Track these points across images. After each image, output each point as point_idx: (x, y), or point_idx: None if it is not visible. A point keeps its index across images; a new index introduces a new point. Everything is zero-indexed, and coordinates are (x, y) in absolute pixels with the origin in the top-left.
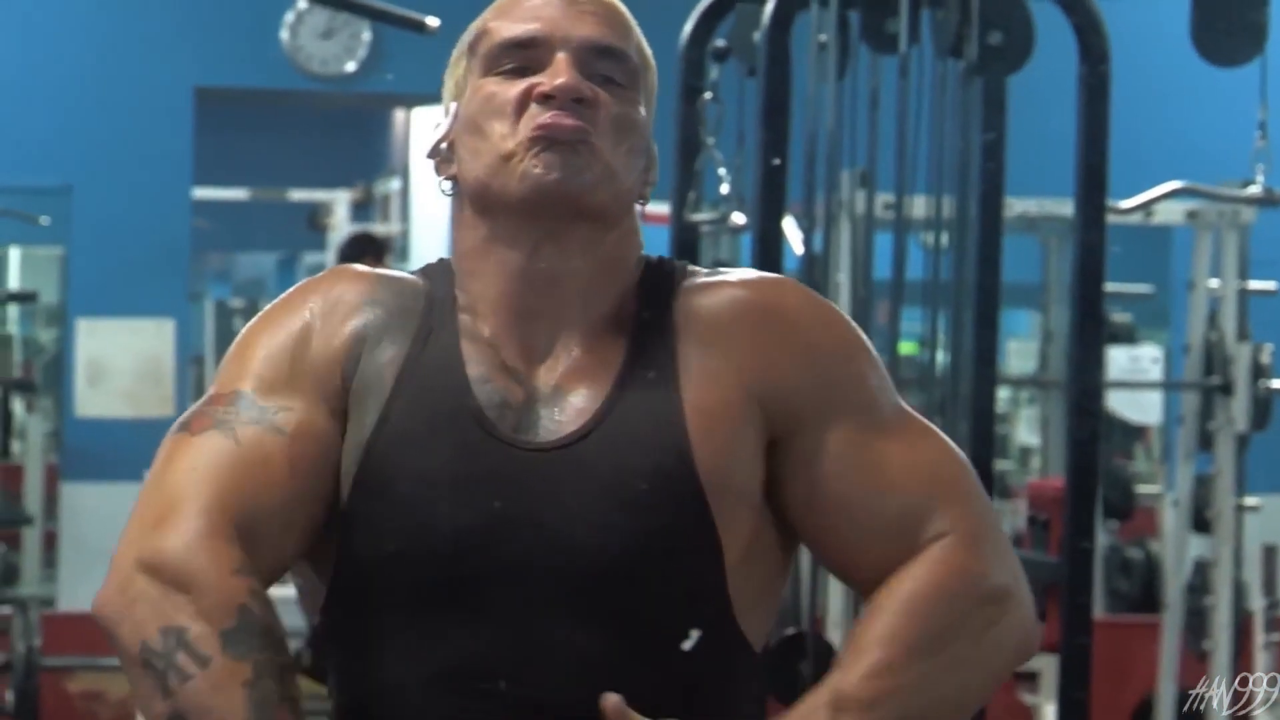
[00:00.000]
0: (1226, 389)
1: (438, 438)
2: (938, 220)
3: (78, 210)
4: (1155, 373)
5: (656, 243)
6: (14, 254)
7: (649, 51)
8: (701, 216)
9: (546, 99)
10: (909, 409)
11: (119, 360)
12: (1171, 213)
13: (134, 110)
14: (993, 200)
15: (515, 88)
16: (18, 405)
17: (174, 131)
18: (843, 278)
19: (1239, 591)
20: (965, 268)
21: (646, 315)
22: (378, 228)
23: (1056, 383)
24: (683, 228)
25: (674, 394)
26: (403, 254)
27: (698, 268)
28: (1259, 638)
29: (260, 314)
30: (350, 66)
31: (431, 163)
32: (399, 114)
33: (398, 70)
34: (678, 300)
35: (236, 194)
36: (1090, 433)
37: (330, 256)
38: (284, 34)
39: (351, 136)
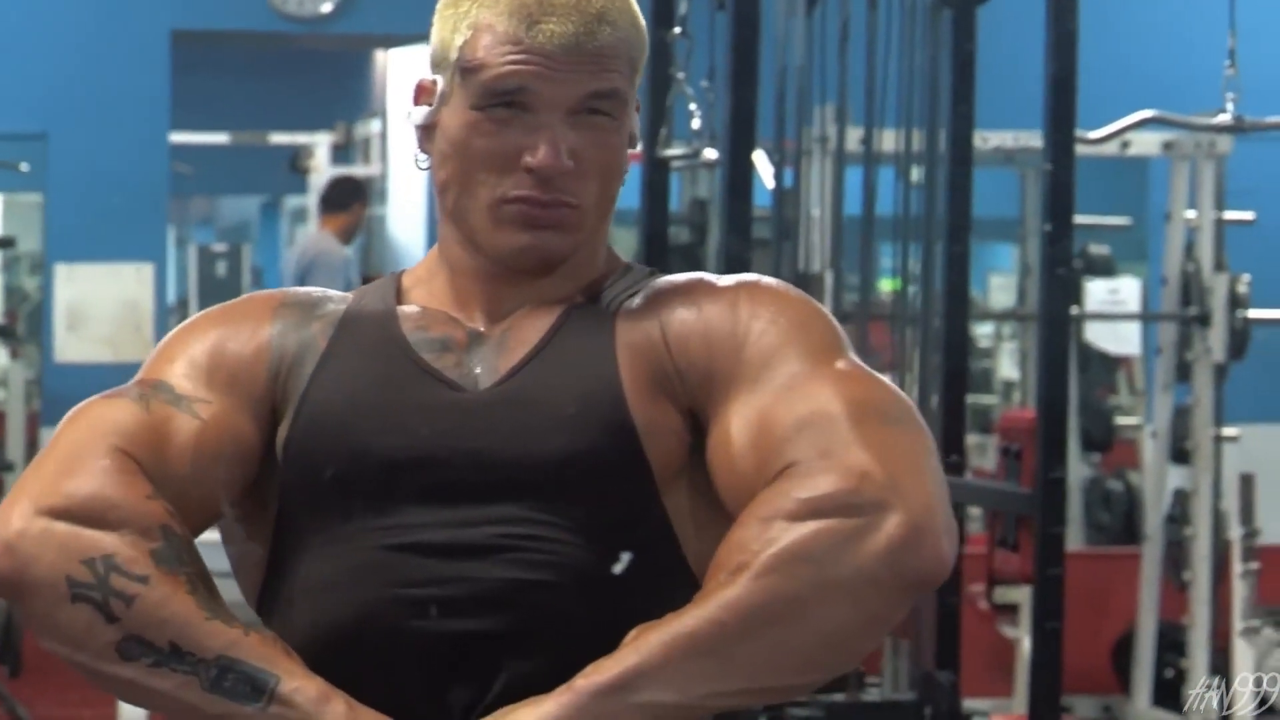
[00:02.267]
0: (1204, 320)
1: (371, 372)
2: (907, 154)
3: (55, 156)
4: (1133, 304)
5: (628, 180)
6: None
7: (641, 21)
8: (673, 152)
9: (529, 171)
10: (844, 357)
11: (98, 305)
12: (1147, 144)
13: (110, 55)
14: (962, 132)
15: (500, 141)
16: (1, 353)
17: (151, 75)
18: (817, 212)
19: (1218, 521)
20: (937, 201)
21: (602, 300)
22: (358, 170)
23: (1034, 317)
24: (654, 164)
25: (609, 339)
26: (382, 196)
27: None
28: (1237, 567)
29: (182, 324)
30: (326, 8)
31: (413, 126)
32: (378, 55)
33: (375, 11)
34: (636, 290)
35: (216, 138)
36: (1058, 362)
37: (312, 199)
38: None
39: (330, 78)
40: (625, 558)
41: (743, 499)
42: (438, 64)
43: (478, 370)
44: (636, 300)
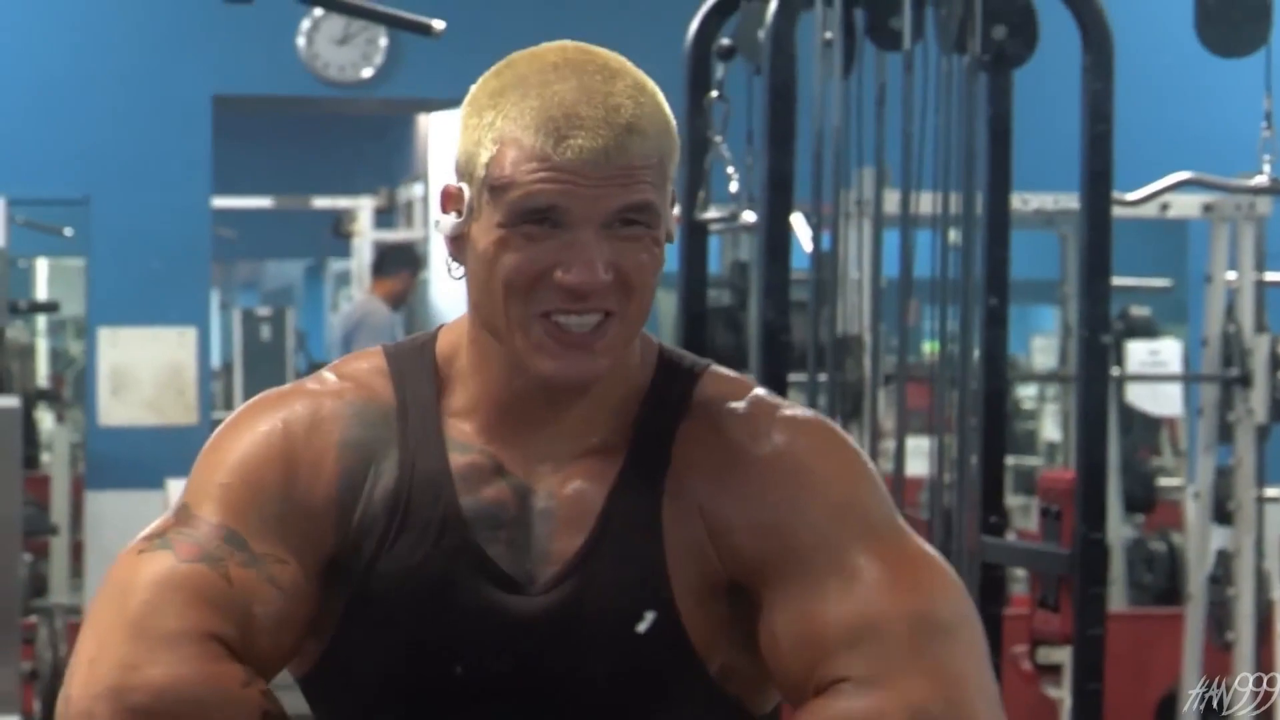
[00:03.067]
0: (1245, 380)
1: (430, 572)
2: (945, 216)
3: (98, 221)
4: (1174, 365)
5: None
6: (41, 265)
7: (671, 122)
8: (710, 215)
9: (563, 287)
10: (890, 533)
11: (141, 369)
12: (1187, 206)
13: (152, 119)
14: (999, 194)
15: (532, 257)
16: (46, 416)
17: (193, 140)
18: (855, 274)
19: (1261, 582)
20: (975, 262)
21: (649, 429)
22: (401, 234)
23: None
24: (692, 227)
25: (657, 536)
26: (424, 260)
27: (718, 371)
28: None
29: (228, 426)
30: (367, 72)
31: (442, 236)
32: (419, 119)
33: (416, 75)
34: (685, 417)
35: (259, 202)
36: (1097, 424)
37: (355, 263)
38: (300, 40)
39: (373, 143)
40: (650, 616)
41: (791, 696)
42: (463, 174)
43: (530, 560)
44: (689, 461)
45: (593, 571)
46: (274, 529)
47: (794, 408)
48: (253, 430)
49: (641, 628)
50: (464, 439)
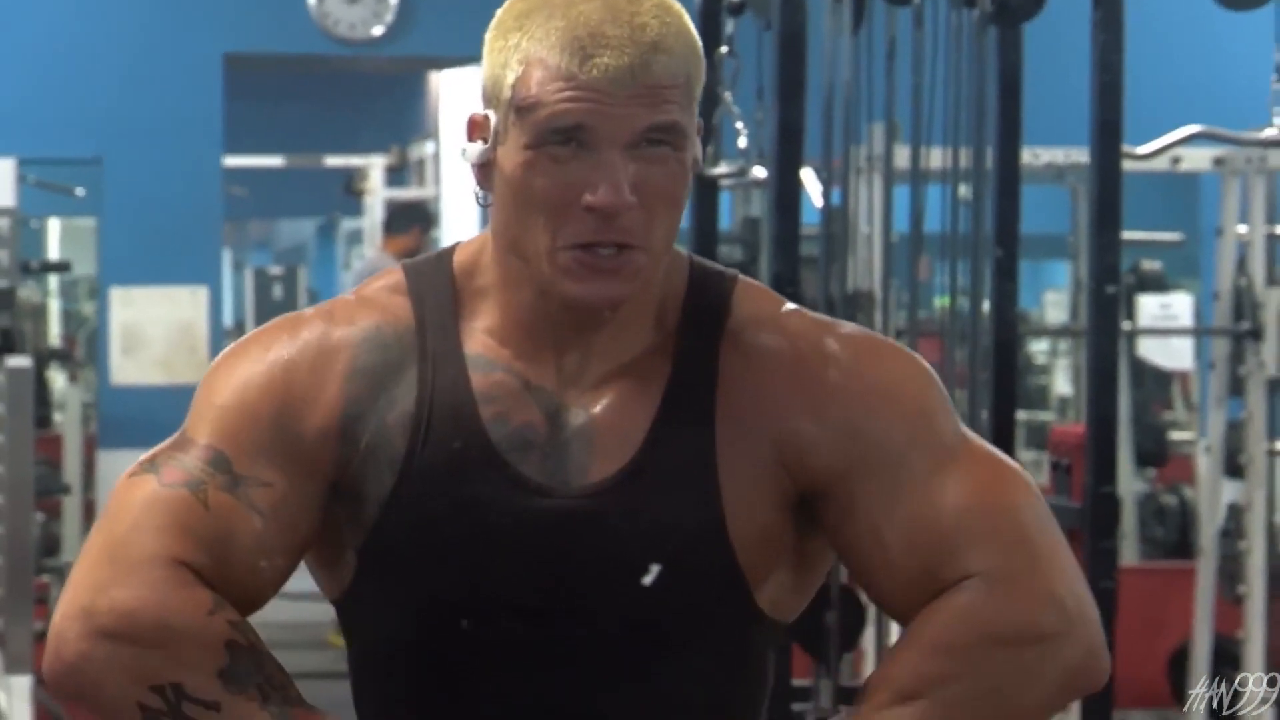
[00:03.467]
0: (1256, 334)
1: (456, 495)
2: (955, 171)
3: (110, 181)
4: (1186, 319)
5: None
6: (53, 225)
7: (697, 43)
8: (720, 171)
9: (591, 210)
10: (959, 438)
11: (154, 329)
12: (1198, 160)
13: (164, 79)
14: (1009, 149)
15: (559, 179)
16: (58, 376)
17: (204, 99)
18: (866, 230)
19: (1272, 536)
20: (985, 217)
21: (689, 345)
22: (413, 192)
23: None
24: (702, 183)
25: (709, 451)
26: (436, 219)
27: (749, 282)
28: None
29: (234, 350)
30: (378, 30)
31: (469, 164)
32: (431, 77)
33: (427, 33)
34: (725, 332)
35: (271, 161)
36: (1108, 377)
37: (367, 221)
38: None
39: (384, 101)
40: (655, 569)
41: (908, 601)
42: (489, 99)
43: (567, 471)
44: (738, 370)
45: (637, 493)
46: (263, 453)
47: (834, 320)
48: (257, 358)
49: (674, 545)
50: (488, 357)
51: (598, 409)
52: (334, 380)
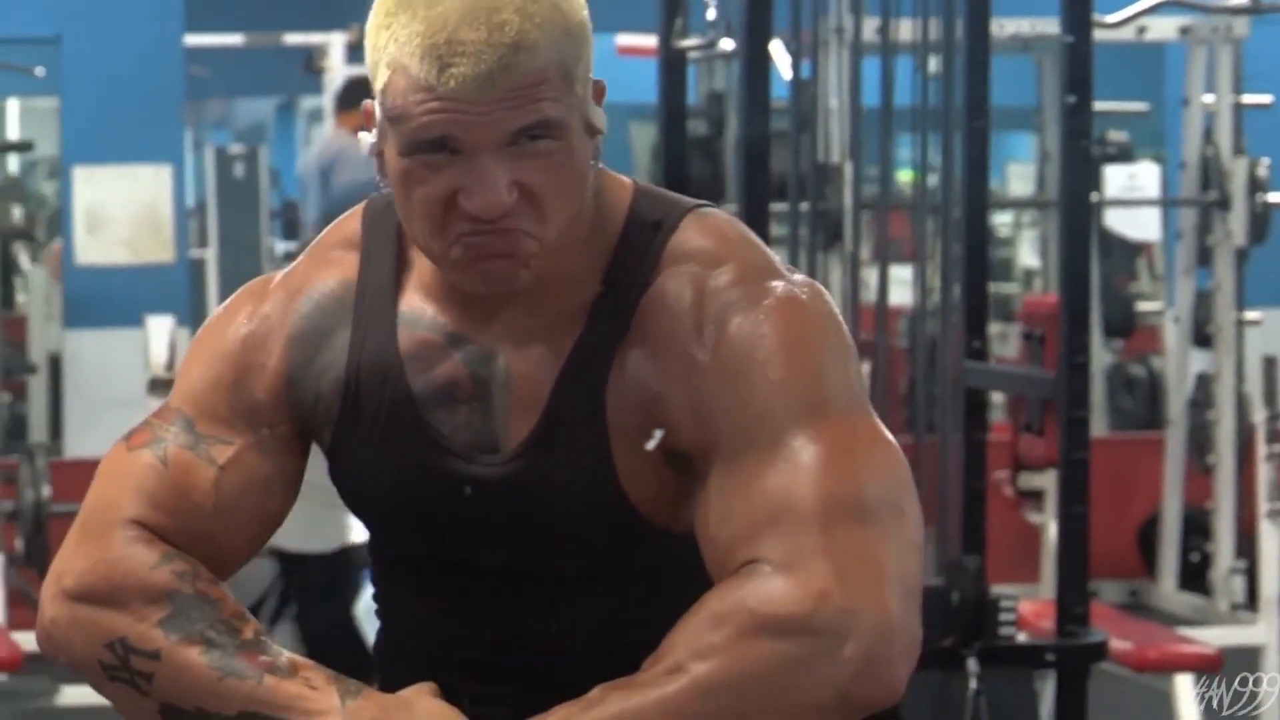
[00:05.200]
0: (1224, 204)
1: (388, 462)
2: (925, 43)
3: (69, 60)
4: (1152, 190)
5: (643, 75)
6: (12, 105)
7: (571, 19)
8: (689, 43)
9: (470, 216)
10: (836, 408)
11: (117, 208)
12: (1164, 29)
13: None
14: (979, 19)
15: (436, 188)
16: (23, 257)
17: None
18: (835, 103)
19: (1241, 405)
20: (956, 90)
21: (604, 302)
22: None
23: (1054, 203)
24: (670, 55)
25: (600, 413)
26: None
27: (699, 220)
28: (1261, 450)
29: (209, 325)
30: None
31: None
32: None
33: None
34: (646, 286)
35: (231, 39)
36: (1080, 241)
37: (328, 99)
38: None
39: None
40: (658, 435)
41: (714, 567)
42: (373, 93)
43: (492, 432)
44: (644, 327)
45: (541, 457)
46: (224, 416)
47: (771, 274)
48: (223, 328)
49: (577, 506)
50: (416, 313)
51: (518, 365)
52: (278, 349)
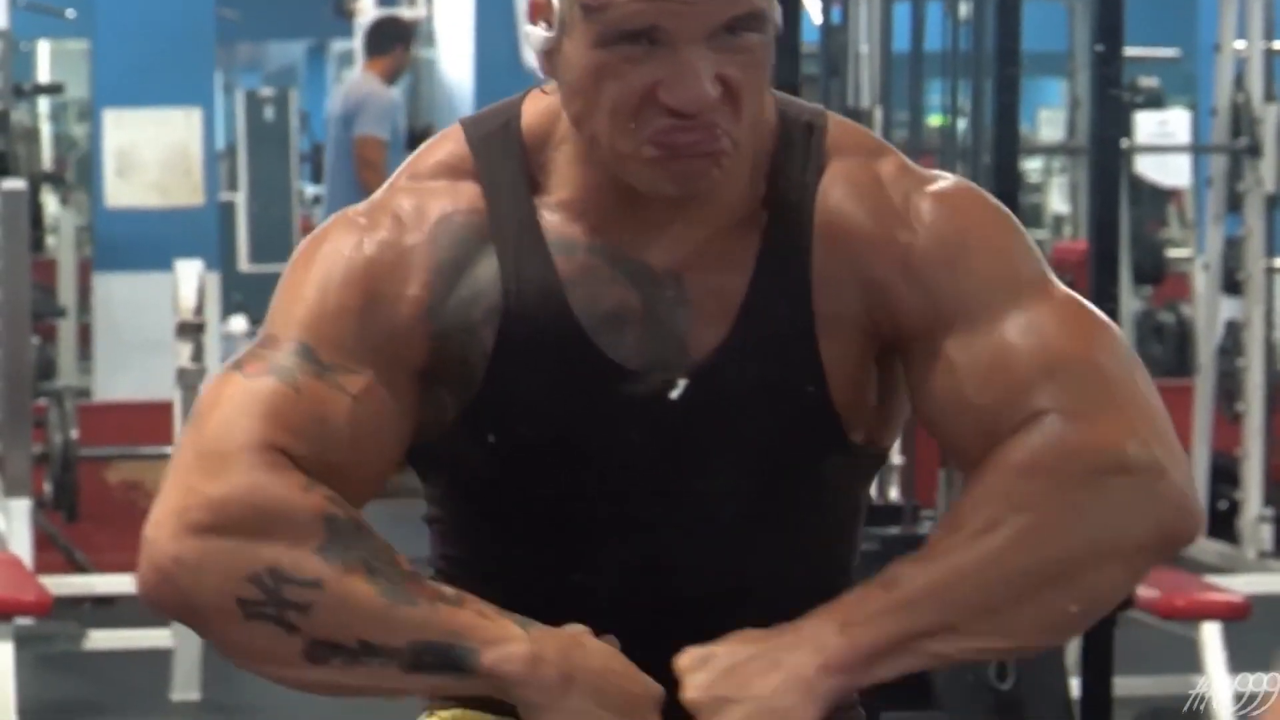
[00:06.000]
0: (1254, 150)
1: (551, 391)
2: None
3: (100, 2)
4: (1183, 136)
5: None
6: (43, 48)
7: None
8: None
9: (672, 110)
10: (1043, 281)
11: (147, 150)
12: None
13: None
14: None
15: (634, 82)
16: (50, 200)
17: None
18: (865, 48)
19: (1271, 352)
20: (986, 35)
21: (781, 205)
22: (404, 12)
23: (1084, 149)
24: None
25: (807, 316)
26: (429, 39)
27: (839, 124)
28: None
29: (306, 249)
30: None
31: (530, 45)
32: None
33: None
34: (816, 188)
35: None
36: (1110, 186)
37: (358, 42)
38: None
39: None
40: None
41: (980, 446)
42: None
43: (668, 352)
44: (829, 230)
45: (738, 365)
46: (348, 342)
47: (924, 171)
48: (335, 255)
49: (791, 415)
50: (571, 237)
51: (693, 278)
52: (417, 279)
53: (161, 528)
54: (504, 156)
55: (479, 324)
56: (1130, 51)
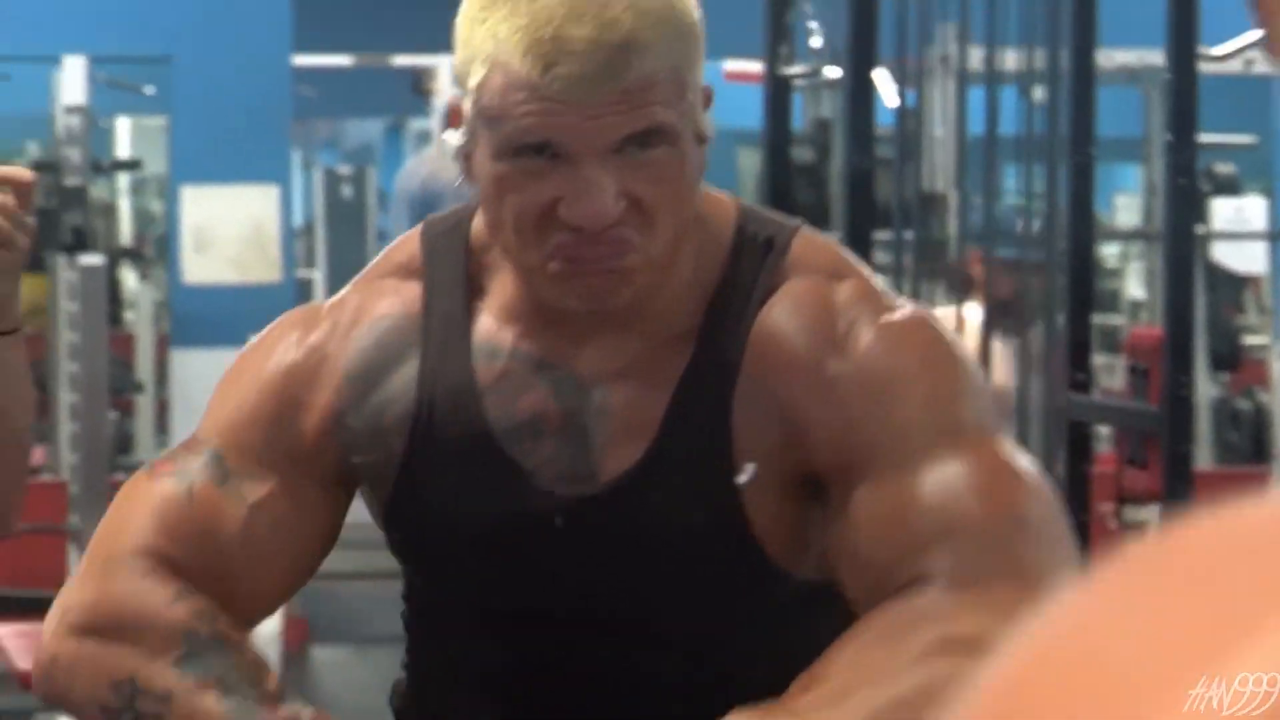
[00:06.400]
0: None
1: (455, 507)
2: (1030, 72)
3: (179, 79)
4: (1259, 223)
5: (749, 100)
6: (122, 124)
7: (682, 20)
8: (794, 70)
9: (573, 228)
10: (976, 430)
11: (224, 227)
12: (1271, 62)
13: None
14: (1084, 50)
15: (534, 196)
16: (129, 275)
17: None
18: (939, 131)
19: None
20: (1061, 120)
21: (716, 324)
22: None
23: (1159, 235)
24: (775, 82)
25: (725, 438)
26: None
27: (807, 241)
28: None
29: (246, 354)
30: None
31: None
32: None
33: None
34: (761, 307)
35: (339, 60)
36: (1184, 274)
37: (435, 121)
38: None
39: None
40: (749, 469)
41: (867, 589)
42: (464, 90)
43: (586, 464)
44: (763, 355)
45: (649, 489)
46: (257, 448)
47: (886, 297)
48: (264, 359)
49: (706, 548)
50: (495, 343)
51: (617, 390)
52: (330, 385)
53: (49, 623)
54: (449, 257)
55: (389, 430)
56: (1205, 138)
